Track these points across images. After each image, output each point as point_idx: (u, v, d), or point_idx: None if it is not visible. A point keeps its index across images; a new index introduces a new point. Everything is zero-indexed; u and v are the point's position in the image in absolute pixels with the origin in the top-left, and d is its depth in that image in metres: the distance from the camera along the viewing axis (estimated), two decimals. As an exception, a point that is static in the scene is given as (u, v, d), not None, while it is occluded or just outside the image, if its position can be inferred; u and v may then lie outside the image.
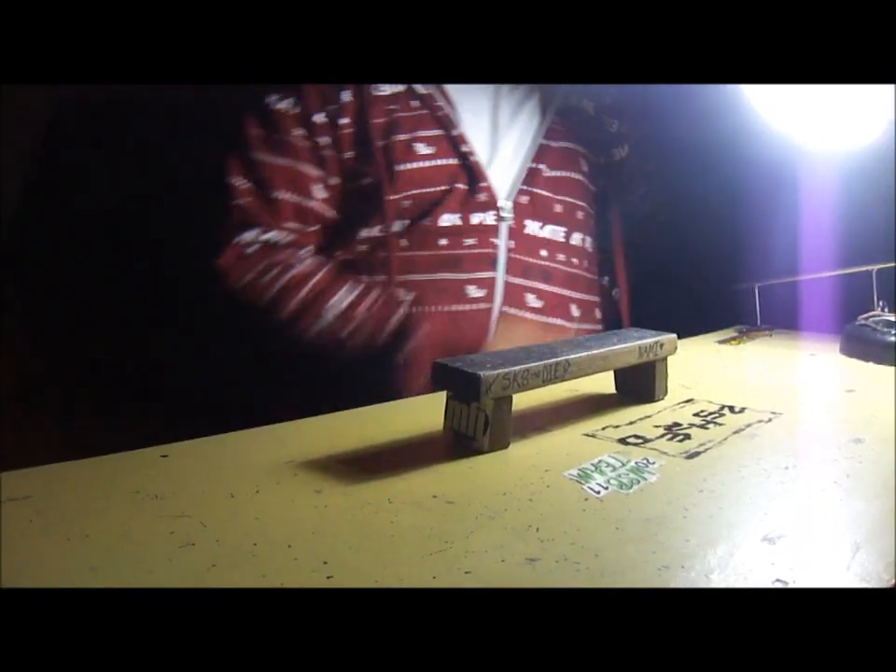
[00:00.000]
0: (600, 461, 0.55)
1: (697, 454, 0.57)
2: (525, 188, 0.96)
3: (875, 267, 0.95)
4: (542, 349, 0.62)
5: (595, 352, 0.62)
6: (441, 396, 0.60)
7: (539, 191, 0.97)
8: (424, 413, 0.66)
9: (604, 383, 0.72)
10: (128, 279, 1.09)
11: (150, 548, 0.43)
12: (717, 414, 0.66)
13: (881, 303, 0.93)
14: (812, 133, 0.89)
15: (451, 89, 0.95)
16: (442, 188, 0.92)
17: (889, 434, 0.60)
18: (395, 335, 0.88)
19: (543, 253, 0.96)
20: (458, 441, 0.58)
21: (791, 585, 0.38)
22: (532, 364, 0.58)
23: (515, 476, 0.53)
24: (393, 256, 0.92)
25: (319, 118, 0.92)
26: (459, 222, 0.92)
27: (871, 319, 0.89)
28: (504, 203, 0.94)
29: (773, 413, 0.67)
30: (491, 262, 0.93)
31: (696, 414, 0.66)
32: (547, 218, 0.97)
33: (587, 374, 0.63)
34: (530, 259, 0.95)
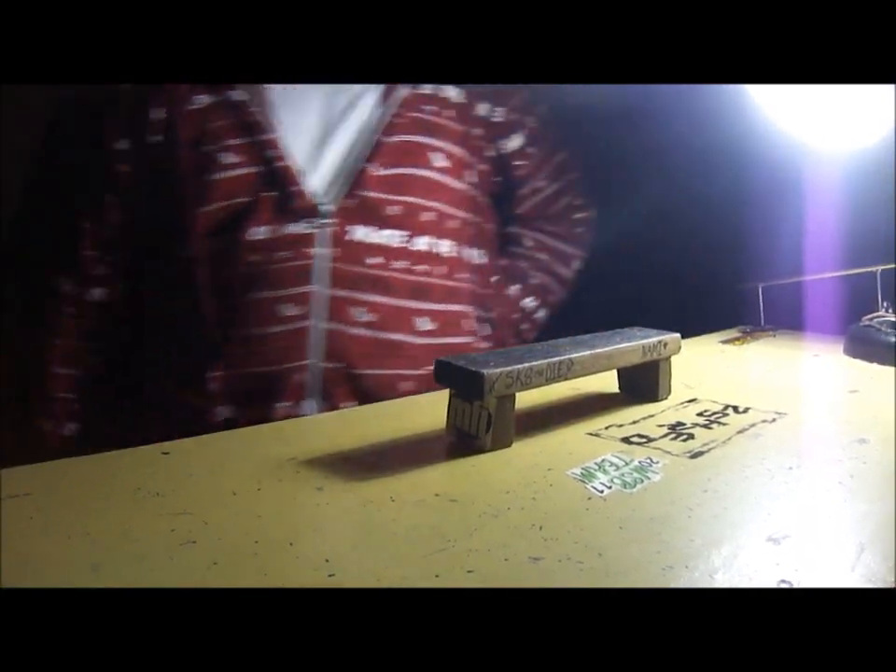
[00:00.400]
0: (603, 460, 0.55)
1: (701, 453, 0.57)
2: (352, 190, 0.85)
3: (880, 268, 0.95)
4: (546, 347, 0.62)
5: (598, 350, 0.62)
6: (444, 394, 0.60)
7: (369, 193, 0.86)
8: (426, 410, 0.66)
9: (607, 382, 0.72)
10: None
11: (151, 546, 0.42)
12: (720, 414, 0.66)
13: (885, 304, 0.92)
14: (817, 132, 0.89)
15: (275, 90, 0.86)
16: (250, 198, 0.83)
17: (893, 435, 0.60)
18: None
19: (374, 261, 0.85)
20: (461, 440, 0.58)
21: (796, 586, 0.38)
22: (535, 362, 0.57)
23: (518, 475, 0.53)
24: (198, 278, 0.83)
25: (123, 144, 0.86)
26: (271, 234, 0.83)
27: (875, 320, 0.89)
28: (324, 208, 0.84)
29: (777, 413, 0.66)
30: (307, 275, 0.83)
31: (700, 414, 0.66)
32: (381, 222, 0.86)
33: (591, 373, 0.62)
34: (357, 269, 0.84)
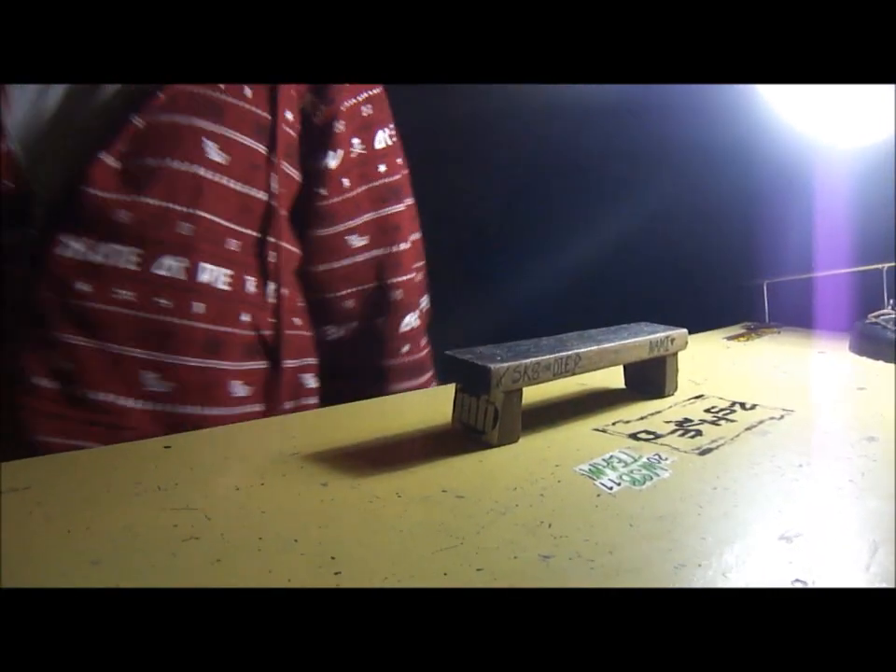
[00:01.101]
0: (611, 456, 0.54)
1: (710, 450, 0.56)
2: (75, 188, 0.62)
3: (886, 265, 0.94)
4: (553, 342, 0.61)
5: (606, 346, 0.61)
6: (450, 388, 0.59)
7: (97, 192, 0.62)
8: (431, 405, 0.65)
9: (613, 377, 0.71)
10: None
11: (153, 542, 0.42)
12: (728, 411, 0.66)
13: (891, 302, 0.92)
14: (824, 130, 0.88)
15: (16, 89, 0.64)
16: None
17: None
18: None
19: (86, 287, 0.62)
20: (467, 435, 0.57)
21: (811, 585, 0.37)
22: (543, 357, 0.57)
23: (526, 471, 0.52)
24: None
25: None
26: None
27: (881, 317, 0.88)
28: (36, 212, 0.63)
29: (784, 410, 0.66)
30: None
31: (707, 410, 0.66)
32: (107, 234, 0.62)
33: (598, 368, 0.62)
34: (61, 297, 0.62)
